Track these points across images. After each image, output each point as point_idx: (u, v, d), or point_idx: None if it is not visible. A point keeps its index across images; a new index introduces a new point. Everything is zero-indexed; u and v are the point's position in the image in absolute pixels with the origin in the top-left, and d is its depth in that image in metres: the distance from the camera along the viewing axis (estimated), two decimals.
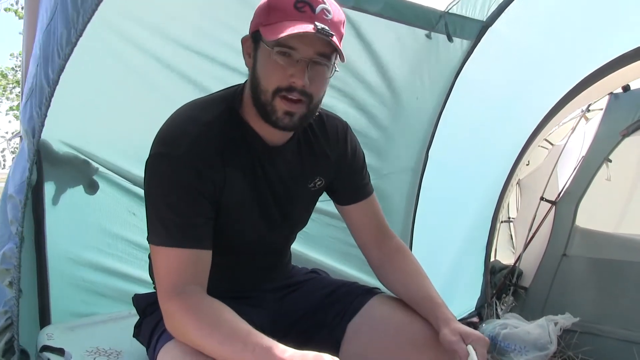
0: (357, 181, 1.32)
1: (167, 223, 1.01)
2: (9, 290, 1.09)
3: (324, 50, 1.01)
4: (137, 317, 1.26)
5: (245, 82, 1.15)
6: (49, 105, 0.96)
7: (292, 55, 1.00)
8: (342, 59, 1.01)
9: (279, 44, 0.99)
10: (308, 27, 0.95)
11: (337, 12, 1.03)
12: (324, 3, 1.00)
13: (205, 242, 1.04)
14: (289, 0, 0.98)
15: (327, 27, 0.97)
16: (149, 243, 1.04)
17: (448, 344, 1.06)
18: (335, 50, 1.01)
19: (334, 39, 0.98)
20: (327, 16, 0.99)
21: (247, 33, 1.09)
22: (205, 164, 1.04)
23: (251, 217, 1.16)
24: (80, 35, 0.91)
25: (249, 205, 1.14)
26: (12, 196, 1.09)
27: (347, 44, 1.94)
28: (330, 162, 1.27)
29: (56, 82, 0.95)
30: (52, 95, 0.96)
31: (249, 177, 1.13)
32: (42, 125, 0.99)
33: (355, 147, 1.32)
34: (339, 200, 1.34)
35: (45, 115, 0.97)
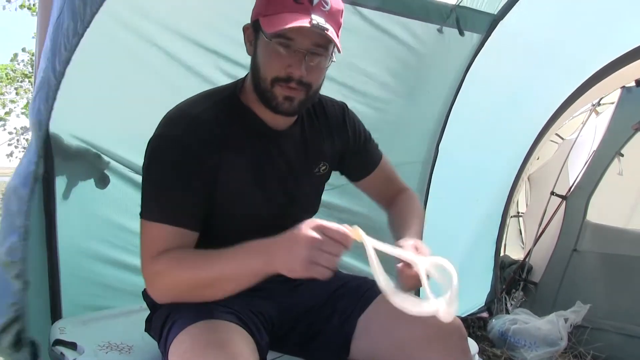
0: (363, 156, 1.37)
1: (158, 200, 1.04)
2: (16, 282, 1.09)
3: (321, 42, 1.05)
4: (148, 312, 1.27)
5: (249, 72, 1.17)
6: (55, 97, 0.97)
7: (289, 46, 1.03)
8: (339, 50, 1.06)
9: (277, 36, 1.02)
10: (304, 22, 0.99)
11: (335, 2, 1.05)
12: None
13: (192, 223, 1.06)
14: None
15: (322, 20, 1.01)
16: (140, 217, 1.06)
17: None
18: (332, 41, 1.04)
19: (330, 32, 1.01)
20: (324, 7, 1.02)
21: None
22: (200, 146, 1.06)
23: (255, 198, 1.16)
24: (87, 26, 0.92)
25: (251, 188, 1.15)
26: (17, 188, 1.08)
27: (359, 39, 1.96)
28: (335, 147, 1.30)
29: (62, 74, 0.96)
30: (58, 87, 0.97)
31: (251, 159, 1.14)
32: (49, 118, 0.99)
33: (355, 125, 1.35)
34: (351, 177, 1.40)
35: (52, 108, 0.98)
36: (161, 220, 1.03)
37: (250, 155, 1.15)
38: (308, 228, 0.91)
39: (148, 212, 1.05)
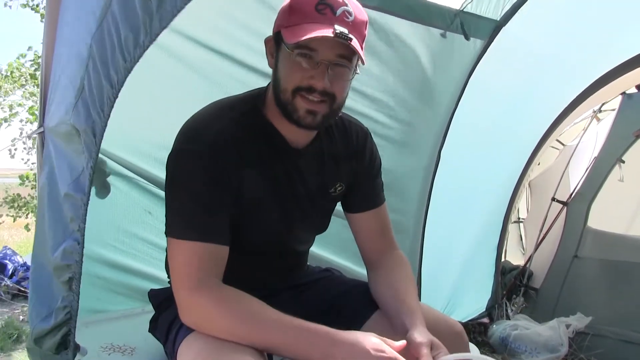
0: (371, 189, 1.31)
1: (187, 216, 1.02)
2: (61, 286, 1.11)
3: (345, 53, 1.02)
4: (151, 314, 1.27)
5: (269, 83, 1.15)
6: (112, 106, 0.98)
7: (312, 57, 1.01)
8: (362, 61, 1.02)
9: (299, 46, 1.00)
10: (327, 31, 0.96)
11: (359, 13, 1.03)
12: (346, 5, 1.00)
13: (224, 238, 1.04)
14: (310, 1, 0.99)
15: (346, 31, 0.97)
16: (167, 236, 1.04)
17: (416, 345, 1.01)
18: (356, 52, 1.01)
19: (353, 42, 0.98)
20: (347, 18, 1.00)
21: (267, 33, 1.10)
22: (224, 160, 1.05)
23: (270, 216, 1.16)
24: (154, 40, 0.92)
25: (268, 204, 1.15)
26: (69, 195, 1.10)
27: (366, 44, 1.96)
28: (351, 168, 1.27)
29: (122, 84, 0.96)
30: (116, 96, 0.97)
31: (269, 175, 1.13)
32: (105, 125, 1.00)
33: (374, 154, 1.31)
34: (350, 207, 1.32)
35: (109, 116, 0.99)
36: (194, 238, 1.00)
37: (270, 172, 1.13)
38: (373, 344, 0.94)
39: (179, 229, 1.02)
